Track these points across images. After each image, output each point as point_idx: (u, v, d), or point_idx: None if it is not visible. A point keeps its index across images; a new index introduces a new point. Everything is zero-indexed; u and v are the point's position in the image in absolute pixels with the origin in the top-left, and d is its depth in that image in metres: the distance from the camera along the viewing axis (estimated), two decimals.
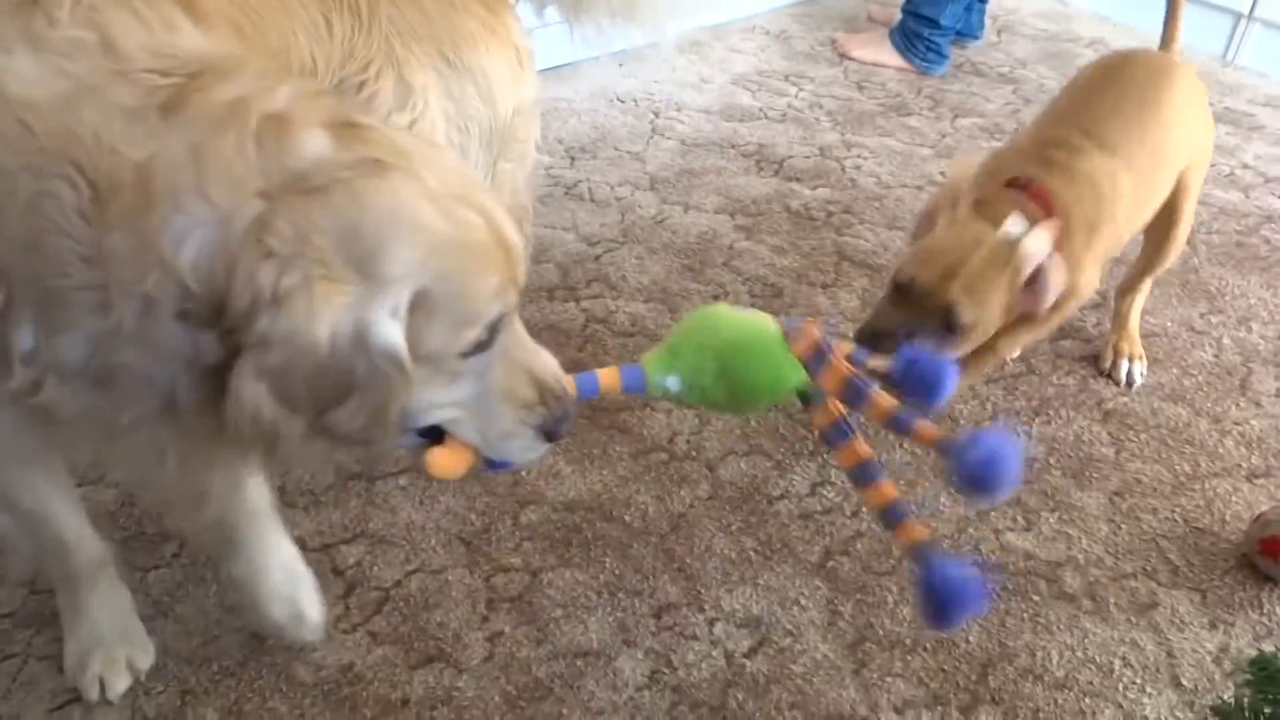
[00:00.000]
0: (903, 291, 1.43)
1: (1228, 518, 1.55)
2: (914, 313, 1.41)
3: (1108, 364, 1.81)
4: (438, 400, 0.90)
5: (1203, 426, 1.71)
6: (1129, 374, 1.79)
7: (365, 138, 0.81)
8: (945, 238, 1.43)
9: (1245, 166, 2.48)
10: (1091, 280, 1.54)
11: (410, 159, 0.81)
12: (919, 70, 2.80)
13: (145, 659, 1.24)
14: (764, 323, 1.08)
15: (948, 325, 1.39)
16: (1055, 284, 1.40)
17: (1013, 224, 1.41)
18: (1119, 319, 1.83)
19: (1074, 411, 1.73)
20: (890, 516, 1.08)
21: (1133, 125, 1.54)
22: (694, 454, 1.59)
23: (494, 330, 0.88)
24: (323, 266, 0.76)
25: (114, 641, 1.22)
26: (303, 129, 0.78)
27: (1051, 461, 1.62)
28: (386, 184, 0.79)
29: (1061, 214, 1.44)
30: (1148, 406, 1.75)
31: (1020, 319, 1.48)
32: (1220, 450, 1.67)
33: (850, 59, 2.86)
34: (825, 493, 1.54)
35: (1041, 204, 1.44)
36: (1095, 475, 1.61)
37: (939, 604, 1.01)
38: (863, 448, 1.09)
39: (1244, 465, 1.64)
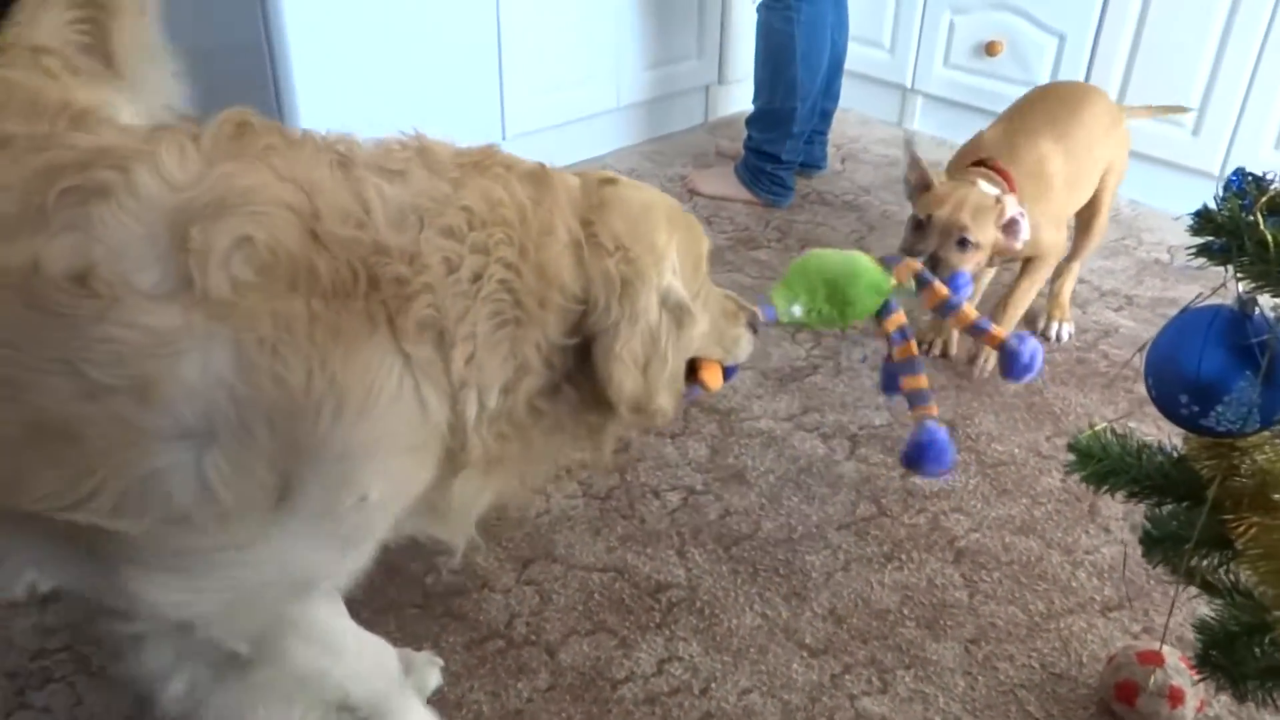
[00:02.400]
0: (921, 226, 1.94)
1: (1084, 658, 1.51)
2: (932, 240, 1.91)
3: (1041, 324, 2.33)
4: (697, 335, 1.19)
5: (1055, 559, 1.69)
6: (1059, 333, 2.31)
7: (571, 172, 1.13)
8: (944, 190, 1.96)
9: (1082, 281, 2.55)
10: (1056, 238, 2.14)
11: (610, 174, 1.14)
12: (765, 203, 2.84)
13: None
14: (860, 256, 1.48)
15: (962, 243, 1.90)
16: (1024, 229, 1.93)
17: (986, 185, 1.97)
18: (1053, 295, 2.34)
19: (926, 553, 1.69)
20: (915, 399, 1.55)
21: (1062, 125, 2.13)
22: (534, 638, 1.50)
23: (706, 265, 1.20)
24: (634, 252, 1.05)
25: None
26: (561, 177, 1.09)
27: (905, 612, 1.57)
28: (625, 188, 1.12)
29: (1016, 188, 2.00)
30: (999, 541, 1.72)
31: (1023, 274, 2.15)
32: (1073, 584, 1.64)
33: (699, 194, 2.90)
34: (672, 670, 1.46)
35: (1003, 176, 2.00)
36: (950, 623, 1.56)
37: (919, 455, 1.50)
38: (912, 347, 1.55)
39: (1097, 599, 1.62)
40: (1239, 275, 0.78)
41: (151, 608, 0.95)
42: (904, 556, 1.68)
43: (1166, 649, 1.40)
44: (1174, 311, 2.32)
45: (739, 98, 3.38)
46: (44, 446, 0.86)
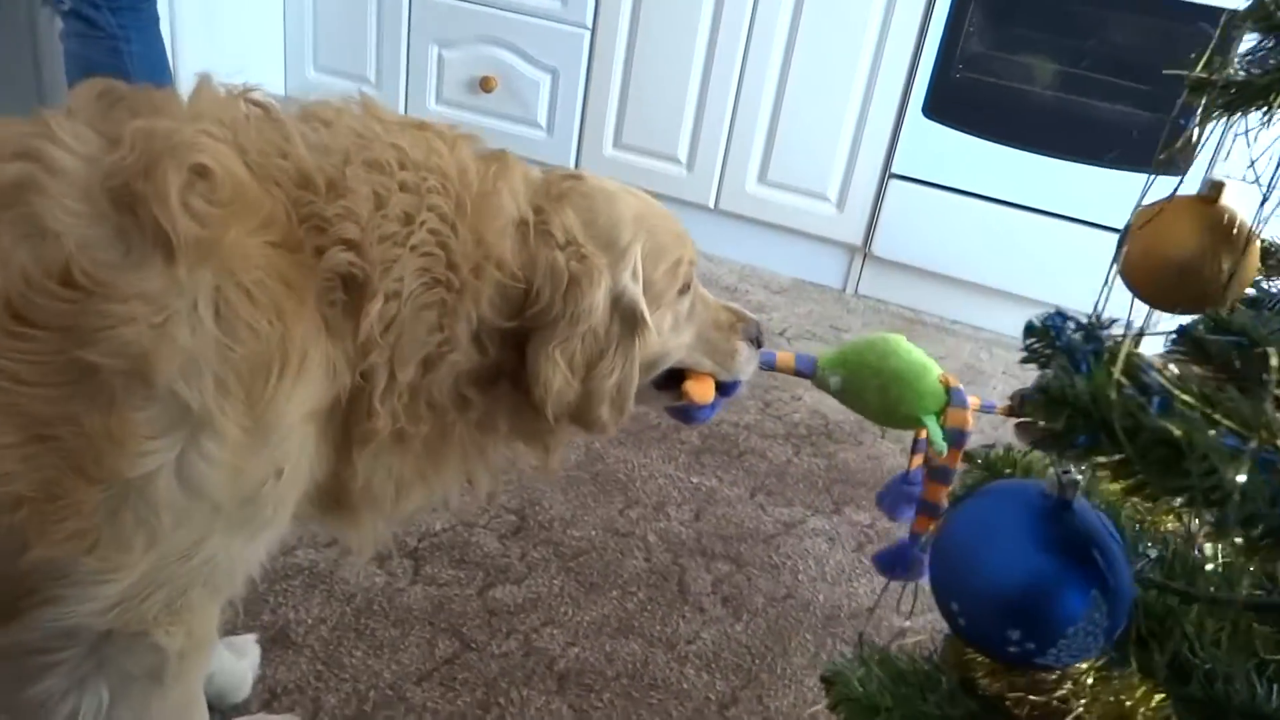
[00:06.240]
0: None
1: None
2: None
3: None
4: (675, 345, 1.15)
5: (660, 659, 1.53)
6: None
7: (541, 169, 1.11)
8: None
9: None
10: None
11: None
12: None
13: None
14: (929, 368, 1.28)
15: None
16: None
17: None
18: None
19: (526, 688, 1.43)
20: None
21: None
22: None
23: (689, 273, 1.14)
24: (588, 249, 0.99)
25: None
26: (522, 165, 1.04)
27: None
28: (591, 183, 1.07)
29: None
30: (600, 652, 1.52)
31: None
32: (684, 684, 1.49)
33: None
34: None
35: None
36: None
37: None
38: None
39: (711, 696, 1.48)
40: (1088, 467, 0.59)
41: (82, 620, 0.84)
42: (502, 701, 1.41)
43: None
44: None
45: None
46: (70, 481, 0.78)
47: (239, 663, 1.34)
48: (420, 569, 1.62)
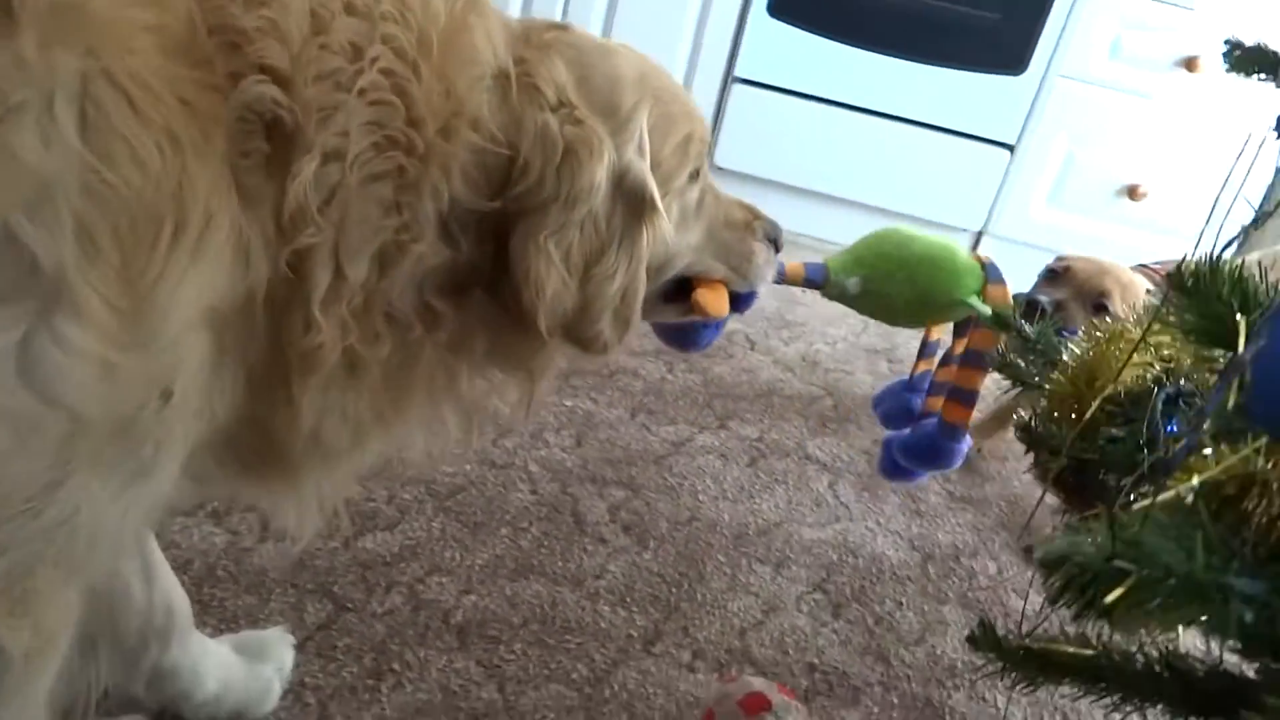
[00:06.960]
0: (1056, 275, 1.74)
1: None
2: (1064, 290, 1.70)
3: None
4: (680, 245, 0.94)
5: (569, 599, 1.34)
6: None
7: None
8: (1091, 258, 1.75)
9: None
10: None
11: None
12: None
13: None
14: (956, 246, 1.19)
15: (1096, 307, 1.63)
16: None
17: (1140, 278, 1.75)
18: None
19: (423, 648, 1.21)
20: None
21: None
22: None
23: (701, 154, 0.91)
24: (583, 113, 0.77)
25: None
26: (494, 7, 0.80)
27: None
28: (579, 34, 0.83)
29: None
30: (500, 597, 1.31)
31: None
32: (601, 624, 1.31)
33: None
34: None
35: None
36: None
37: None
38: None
39: (634, 633, 1.31)
40: None
41: None
42: (397, 665, 1.18)
43: (759, 682, 1.14)
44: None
45: None
46: None
47: (261, 669, 1.10)
48: (269, 522, 1.35)
